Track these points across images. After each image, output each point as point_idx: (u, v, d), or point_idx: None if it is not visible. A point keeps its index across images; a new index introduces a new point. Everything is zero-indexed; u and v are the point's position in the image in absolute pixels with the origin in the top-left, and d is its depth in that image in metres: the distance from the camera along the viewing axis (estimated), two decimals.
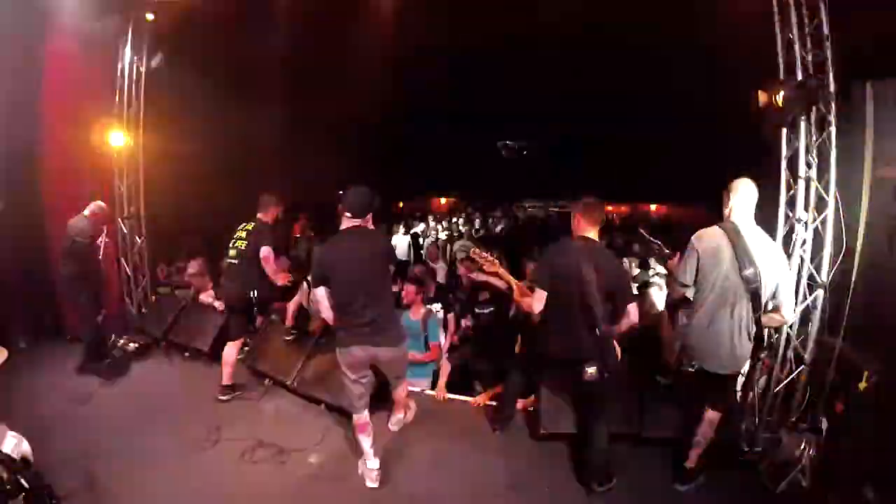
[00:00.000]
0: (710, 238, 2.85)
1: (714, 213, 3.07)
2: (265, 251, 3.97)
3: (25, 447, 2.52)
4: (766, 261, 2.77)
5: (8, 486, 2.25)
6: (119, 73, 5.44)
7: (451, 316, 4.61)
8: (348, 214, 3.02)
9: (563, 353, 3.03)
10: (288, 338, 4.61)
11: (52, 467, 2.77)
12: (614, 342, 3.11)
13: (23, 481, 2.29)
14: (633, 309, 2.97)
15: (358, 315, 2.94)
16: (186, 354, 5.05)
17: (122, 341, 5.09)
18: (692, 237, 2.92)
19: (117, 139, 5.34)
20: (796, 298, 3.56)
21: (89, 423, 3.66)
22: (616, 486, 3.07)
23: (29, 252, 5.06)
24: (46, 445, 2.84)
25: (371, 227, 3.11)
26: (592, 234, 3.06)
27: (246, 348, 4.62)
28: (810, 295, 3.52)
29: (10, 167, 4.82)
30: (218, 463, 3.29)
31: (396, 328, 3.16)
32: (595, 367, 2.89)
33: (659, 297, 4.27)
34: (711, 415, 3.00)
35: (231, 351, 4.19)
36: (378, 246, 3.06)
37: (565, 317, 2.98)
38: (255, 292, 4.09)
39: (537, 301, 3.06)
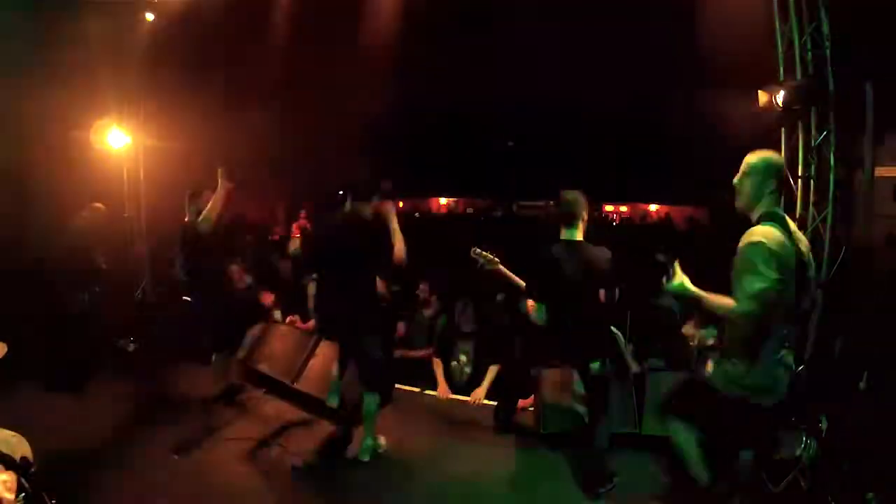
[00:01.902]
0: None
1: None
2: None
3: (25, 447, 2.51)
4: None
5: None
6: (120, 73, 5.43)
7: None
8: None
9: (565, 351, 3.03)
10: None
11: (52, 468, 2.76)
12: (615, 330, 3.10)
13: (23, 481, 2.29)
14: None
15: None
16: (187, 355, 5.04)
17: (121, 341, 5.09)
18: None
19: (117, 139, 5.33)
20: None
21: (89, 424, 3.65)
22: (616, 486, 3.06)
23: (29, 252, 5.05)
24: (46, 445, 2.82)
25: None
26: (574, 232, 2.96)
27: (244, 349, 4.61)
28: None
29: (10, 168, 4.82)
30: (218, 463, 3.28)
31: None
32: (599, 364, 2.89)
33: None
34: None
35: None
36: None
37: (564, 318, 2.97)
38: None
39: (539, 314, 3.01)
